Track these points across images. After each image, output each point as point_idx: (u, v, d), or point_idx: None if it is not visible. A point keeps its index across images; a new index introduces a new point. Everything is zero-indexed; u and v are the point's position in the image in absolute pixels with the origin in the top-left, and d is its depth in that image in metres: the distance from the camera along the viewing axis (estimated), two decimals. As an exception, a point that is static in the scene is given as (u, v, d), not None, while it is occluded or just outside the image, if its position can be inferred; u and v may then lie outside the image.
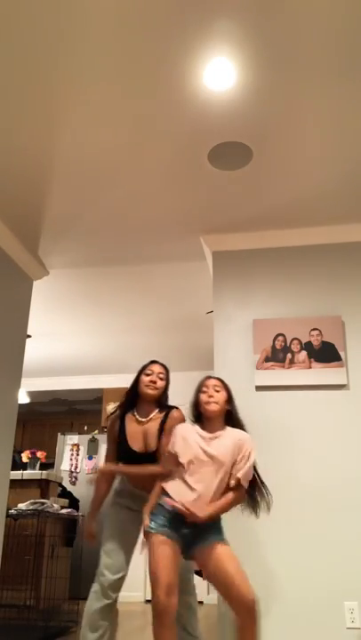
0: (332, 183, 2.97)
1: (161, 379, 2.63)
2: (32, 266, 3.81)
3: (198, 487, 2.21)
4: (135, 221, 3.39)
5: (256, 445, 2.33)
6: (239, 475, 2.24)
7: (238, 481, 2.24)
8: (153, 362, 2.72)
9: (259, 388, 3.15)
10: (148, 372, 2.65)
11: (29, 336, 5.26)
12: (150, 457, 2.48)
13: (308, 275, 3.37)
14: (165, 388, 2.66)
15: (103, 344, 5.69)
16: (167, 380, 2.67)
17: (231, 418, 2.38)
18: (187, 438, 2.31)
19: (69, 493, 5.10)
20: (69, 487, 5.99)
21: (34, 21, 2.04)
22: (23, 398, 7.02)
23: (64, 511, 4.38)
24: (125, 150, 2.74)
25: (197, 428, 2.37)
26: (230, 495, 2.25)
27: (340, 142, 2.67)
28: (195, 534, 2.20)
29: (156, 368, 2.66)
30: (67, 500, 4.78)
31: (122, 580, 2.48)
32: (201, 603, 5.67)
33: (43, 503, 4.13)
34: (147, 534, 2.23)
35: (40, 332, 5.31)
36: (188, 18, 2.01)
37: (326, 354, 3.13)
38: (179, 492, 2.21)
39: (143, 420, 2.58)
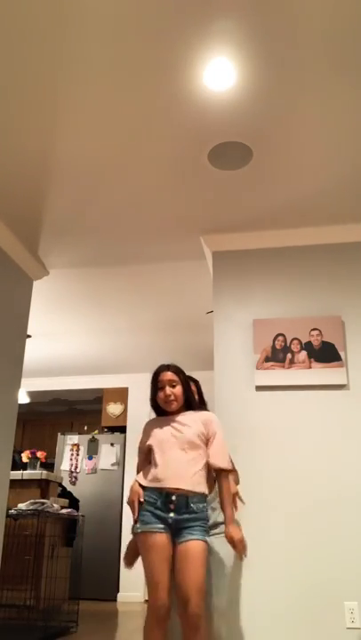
0: (332, 183, 2.98)
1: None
2: (32, 266, 3.81)
3: (171, 465, 2.25)
4: (135, 221, 3.39)
5: (220, 425, 2.44)
6: (212, 460, 2.31)
7: (220, 469, 2.32)
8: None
9: (259, 388, 3.15)
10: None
11: (29, 336, 5.26)
12: None
13: (308, 275, 3.37)
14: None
15: (103, 344, 5.69)
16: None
17: (191, 404, 2.43)
18: (152, 430, 2.38)
19: (69, 493, 5.10)
20: (69, 487, 6.00)
21: (33, 22, 2.04)
22: (23, 398, 7.02)
23: (64, 511, 4.38)
24: (125, 150, 2.74)
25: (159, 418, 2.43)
26: (223, 487, 2.30)
27: (340, 142, 2.67)
28: (179, 522, 2.19)
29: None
30: (67, 500, 4.78)
31: None
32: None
33: (43, 503, 4.13)
34: (135, 536, 2.26)
35: (40, 332, 5.31)
36: (188, 18, 2.01)
37: (326, 354, 3.13)
38: (153, 474, 2.26)
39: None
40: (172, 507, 2.20)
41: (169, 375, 2.40)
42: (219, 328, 3.35)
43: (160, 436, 2.34)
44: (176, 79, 2.30)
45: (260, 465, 3.01)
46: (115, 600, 5.80)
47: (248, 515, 2.84)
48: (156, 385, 2.41)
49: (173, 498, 2.20)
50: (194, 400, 2.47)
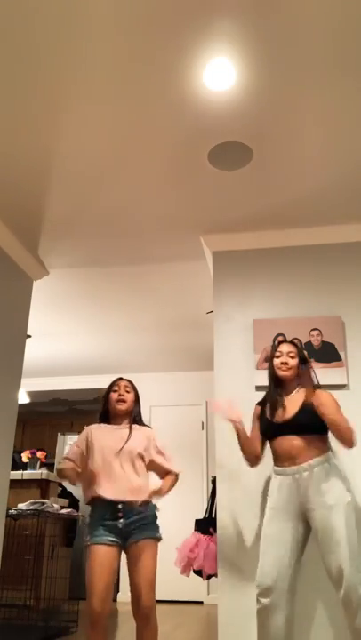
0: (332, 183, 2.98)
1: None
2: (32, 266, 3.81)
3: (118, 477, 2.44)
4: (135, 221, 3.39)
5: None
6: (159, 460, 2.59)
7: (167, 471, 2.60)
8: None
9: (259, 388, 3.14)
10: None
11: (29, 336, 5.25)
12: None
13: (308, 275, 3.37)
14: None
15: (103, 344, 5.69)
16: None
17: (136, 418, 2.65)
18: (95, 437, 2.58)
19: (69, 493, 5.11)
20: (69, 487, 6.00)
21: (33, 23, 2.04)
22: (23, 398, 7.02)
23: (64, 511, 4.38)
24: (125, 150, 2.74)
25: (103, 425, 2.64)
26: (169, 479, 2.59)
27: (340, 142, 2.67)
28: (130, 525, 2.37)
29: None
30: (67, 500, 4.79)
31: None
32: (201, 603, 5.68)
33: (43, 503, 4.13)
34: (86, 547, 2.40)
35: (40, 332, 5.31)
36: (188, 18, 2.01)
37: (326, 354, 3.13)
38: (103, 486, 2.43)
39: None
40: (123, 516, 2.38)
41: (125, 382, 2.68)
42: (219, 328, 3.35)
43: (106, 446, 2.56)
44: (176, 79, 2.30)
45: (260, 465, 3.00)
46: (115, 600, 5.80)
47: (250, 515, 2.84)
48: (111, 389, 2.68)
49: (120, 506, 2.39)
50: (139, 416, 2.70)
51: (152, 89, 2.35)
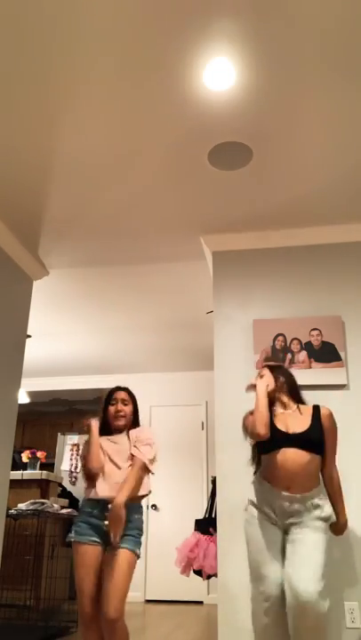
0: (332, 183, 2.98)
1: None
2: (32, 266, 3.81)
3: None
4: (135, 221, 3.39)
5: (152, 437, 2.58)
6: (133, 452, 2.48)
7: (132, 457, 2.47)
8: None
9: (259, 388, 3.14)
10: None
11: (29, 336, 5.25)
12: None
13: (308, 275, 3.37)
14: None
15: (103, 344, 5.69)
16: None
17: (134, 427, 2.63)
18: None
19: (69, 493, 5.11)
20: (69, 487, 6.00)
21: (33, 22, 2.04)
22: (23, 398, 7.02)
23: (64, 511, 4.38)
24: (125, 150, 2.74)
25: (105, 438, 2.59)
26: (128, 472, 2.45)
27: (341, 142, 2.67)
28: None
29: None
30: (67, 500, 4.79)
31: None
32: (201, 603, 5.68)
33: (43, 503, 4.13)
34: (71, 544, 2.42)
35: (40, 332, 5.31)
36: (189, 18, 2.01)
37: (326, 354, 3.13)
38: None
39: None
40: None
41: (122, 394, 2.66)
42: (219, 328, 3.35)
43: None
44: (176, 79, 2.30)
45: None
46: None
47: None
48: (109, 401, 2.65)
49: (110, 506, 2.37)
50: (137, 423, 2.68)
51: (152, 89, 2.35)
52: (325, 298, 3.29)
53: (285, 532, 2.36)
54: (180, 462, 6.26)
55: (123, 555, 2.32)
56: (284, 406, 2.55)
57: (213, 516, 3.73)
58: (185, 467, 6.25)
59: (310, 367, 3.12)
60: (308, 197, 3.10)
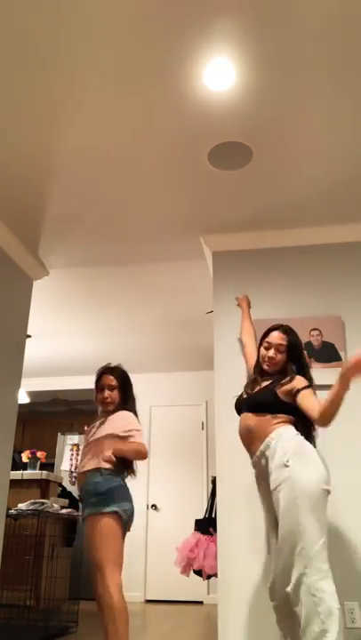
0: (332, 183, 2.98)
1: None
2: (32, 266, 3.81)
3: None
4: (135, 221, 3.39)
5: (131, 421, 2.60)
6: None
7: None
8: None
9: (259, 388, 3.14)
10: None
11: (29, 336, 5.25)
12: None
13: (308, 275, 3.37)
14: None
15: (103, 344, 5.69)
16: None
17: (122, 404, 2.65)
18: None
19: (69, 493, 5.10)
20: (69, 487, 6.00)
21: (33, 22, 2.04)
22: (23, 398, 7.02)
23: (64, 511, 4.38)
24: (125, 150, 2.74)
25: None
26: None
27: (340, 142, 2.67)
28: (82, 501, 2.47)
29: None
30: (67, 500, 4.78)
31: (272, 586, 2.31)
32: (201, 603, 5.68)
33: (43, 503, 4.13)
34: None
35: (40, 332, 5.31)
36: (189, 18, 2.01)
37: (326, 354, 3.13)
38: None
39: None
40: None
41: (109, 379, 2.67)
42: (219, 328, 3.35)
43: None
44: (176, 79, 2.30)
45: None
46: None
47: (250, 514, 2.83)
48: (97, 387, 2.69)
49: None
50: (130, 404, 2.69)
51: (152, 89, 2.35)
52: (325, 298, 3.29)
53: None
54: (180, 462, 6.26)
55: (88, 521, 2.40)
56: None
57: (213, 515, 3.73)
58: (185, 467, 6.25)
59: (310, 367, 3.11)
60: (308, 197, 3.10)
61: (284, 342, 2.47)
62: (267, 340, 2.51)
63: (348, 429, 3.00)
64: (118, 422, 2.57)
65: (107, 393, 2.64)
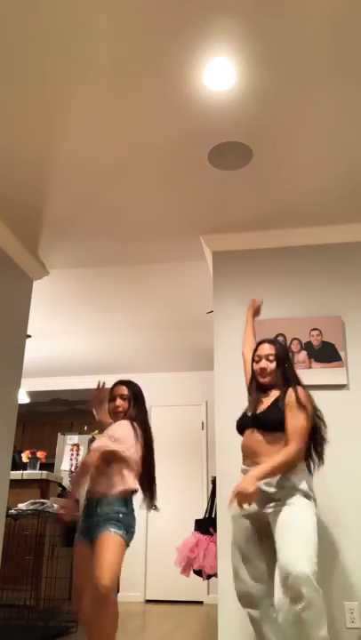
0: (332, 183, 2.98)
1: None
2: (32, 266, 3.81)
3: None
4: (135, 221, 3.39)
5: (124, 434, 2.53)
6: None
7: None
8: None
9: (259, 388, 3.14)
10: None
11: (29, 336, 5.26)
12: None
13: (308, 275, 3.37)
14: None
15: (103, 344, 5.69)
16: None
17: (131, 415, 2.64)
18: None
19: (69, 493, 5.10)
20: (69, 487, 6.00)
21: (33, 22, 2.04)
22: (23, 398, 7.02)
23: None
24: (125, 150, 2.74)
25: None
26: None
27: (340, 142, 2.67)
28: (91, 523, 2.45)
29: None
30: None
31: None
32: (201, 603, 5.68)
33: (43, 503, 4.13)
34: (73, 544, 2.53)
35: (40, 332, 5.31)
36: (188, 17, 2.01)
37: (326, 354, 3.13)
38: None
39: None
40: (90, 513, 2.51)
41: (121, 389, 2.68)
42: (219, 328, 3.35)
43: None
44: (176, 79, 2.30)
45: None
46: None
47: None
48: (110, 397, 2.70)
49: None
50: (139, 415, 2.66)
51: (152, 89, 2.35)
52: (325, 298, 3.29)
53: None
54: (180, 462, 6.26)
55: (106, 538, 2.38)
56: (269, 390, 2.59)
57: (213, 515, 3.73)
58: (185, 467, 6.25)
59: (310, 367, 3.12)
60: (308, 197, 3.10)
61: (273, 351, 2.58)
62: (257, 353, 2.62)
63: (343, 432, 3.00)
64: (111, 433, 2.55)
65: (118, 401, 2.65)
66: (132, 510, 2.47)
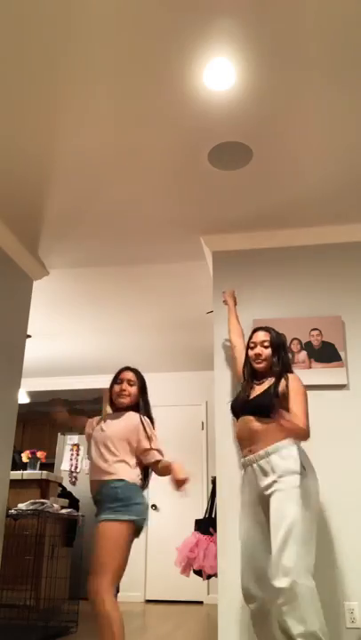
0: (331, 183, 2.98)
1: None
2: (32, 266, 3.81)
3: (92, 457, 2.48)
4: (135, 221, 3.39)
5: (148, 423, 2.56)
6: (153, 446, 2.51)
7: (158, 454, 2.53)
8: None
9: (259, 388, 3.14)
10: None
11: (29, 336, 5.25)
12: None
13: (308, 275, 3.37)
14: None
15: (103, 344, 5.69)
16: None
17: (140, 407, 2.61)
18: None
19: (69, 493, 5.10)
20: (69, 487, 6.00)
21: (33, 22, 2.04)
22: (23, 398, 7.02)
23: (64, 511, 4.38)
24: (125, 150, 2.74)
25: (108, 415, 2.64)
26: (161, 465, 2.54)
27: (340, 142, 2.67)
28: (96, 505, 2.38)
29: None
30: (67, 500, 4.78)
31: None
32: (201, 603, 5.68)
33: (43, 503, 4.13)
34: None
35: (40, 332, 5.31)
36: (189, 17, 2.01)
37: (326, 354, 3.13)
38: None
39: None
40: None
41: (129, 374, 2.66)
42: (219, 328, 3.35)
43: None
44: (176, 79, 2.30)
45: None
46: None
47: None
48: (115, 380, 2.67)
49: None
50: (145, 406, 2.65)
51: (152, 89, 2.35)
52: (325, 298, 3.29)
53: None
54: (181, 462, 6.25)
55: (100, 526, 2.30)
56: (264, 377, 2.66)
57: (213, 515, 3.73)
58: (185, 466, 6.24)
59: (310, 367, 3.12)
60: (307, 197, 3.10)
61: (268, 338, 2.66)
62: (252, 340, 2.71)
63: (343, 432, 3.00)
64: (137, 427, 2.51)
65: (125, 385, 2.61)
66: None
